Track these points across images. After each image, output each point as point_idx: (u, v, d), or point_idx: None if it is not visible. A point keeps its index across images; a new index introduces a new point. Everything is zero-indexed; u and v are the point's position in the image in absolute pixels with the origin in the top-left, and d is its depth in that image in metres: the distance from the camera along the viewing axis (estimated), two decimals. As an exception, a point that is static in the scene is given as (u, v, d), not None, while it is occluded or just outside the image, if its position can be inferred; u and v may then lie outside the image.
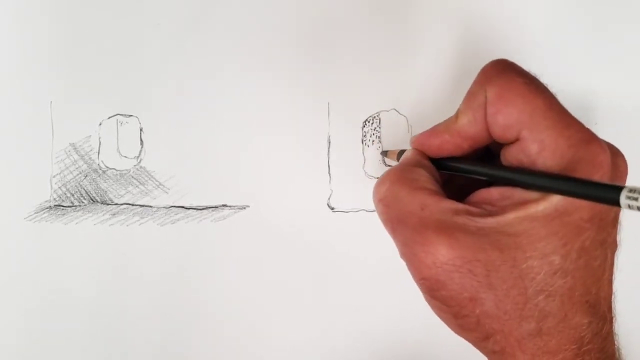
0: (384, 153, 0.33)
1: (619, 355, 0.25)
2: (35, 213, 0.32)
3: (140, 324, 0.32)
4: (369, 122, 0.33)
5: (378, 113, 0.33)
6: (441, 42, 0.33)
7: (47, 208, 0.32)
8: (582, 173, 0.22)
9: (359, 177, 0.33)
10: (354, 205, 0.33)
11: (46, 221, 0.32)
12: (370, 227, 0.33)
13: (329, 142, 0.33)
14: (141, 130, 0.32)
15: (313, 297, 0.33)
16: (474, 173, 0.25)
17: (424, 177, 0.25)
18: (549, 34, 0.34)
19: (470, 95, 0.24)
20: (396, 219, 0.24)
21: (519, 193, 0.23)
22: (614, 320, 0.24)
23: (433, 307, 0.24)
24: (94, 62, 0.32)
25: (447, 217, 0.23)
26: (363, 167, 0.33)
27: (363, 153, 0.33)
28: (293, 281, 0.33)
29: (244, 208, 0.33)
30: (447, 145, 0.25)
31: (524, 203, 0.22)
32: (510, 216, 0.22)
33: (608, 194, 0.20)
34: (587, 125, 0.23)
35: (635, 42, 0.34)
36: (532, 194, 0.22)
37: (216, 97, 0.33)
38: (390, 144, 0.33)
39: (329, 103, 0.33)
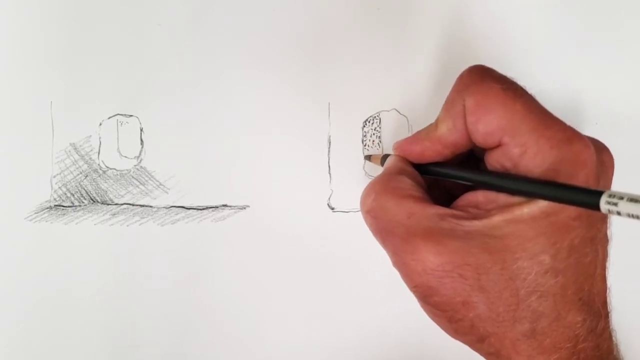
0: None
1: (617, 351, 0.25)
2: (36, 213, 0.32)
3: (140, 324, 0.32)
4: (369, 122, 0.33)
5: (378, 113, 0.33)
6: (442, 42, 0.33)
7: (47, 208, 0.32)
8: (566, 173, 0.22)
9: (359, 177, 0.33)
10: (354, 205, 0.33)
11: (46, 221, 0.32)
12: (370, 227, 0.33)
13: (329, 142, 0.33)
14: (141, 130, 0.32)
15: (313, 296, 0.33)
16: (457, 178, 0.25)
17: (408, 184, 0.25)
18: (550, 33, 0.34)
19: (449, 103, 0.24)
20: (385, 230, 0.24)
21: (503, 196, 0.23)
22: (609, 316, 0.24)
23: (428, 312, 0.25)
24: (94, 62, 0.32)
25: (434, 223, 0.23)
26: (363, 167, 0.33)
27: (363, 153, 0.33)
28: (293, 281, 0.33)
29: (244, 208, 0.33)
30: (429, 152, 0.26)
31: (508, 206, 0.22)
32: (497, 219, 0.22)
33: (588, 199, 0.20)
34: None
35: (629, 41, 0.34)
36: (516, 197, 0.22)
37: (216, 97, 0.33)
38: (390, 144, 0.33)
39: (329, 103, 0.33)
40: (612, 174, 0.24)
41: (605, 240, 0.24)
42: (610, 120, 0.34)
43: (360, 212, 0.25)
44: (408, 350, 0.33)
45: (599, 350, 0.23)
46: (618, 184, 0.32)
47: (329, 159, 0.33)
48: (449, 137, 0.25)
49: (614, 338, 0.25)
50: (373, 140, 0.33)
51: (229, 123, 0.33)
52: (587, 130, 0.32)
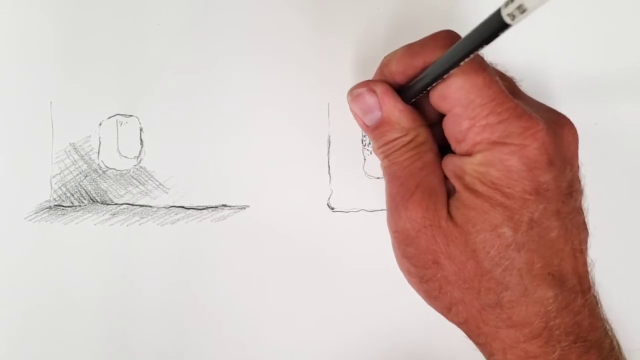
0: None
1: (610, 329, 0.25)
2: (35, 213, 0.32)
3: (140, 324, 0.32)
4: (369, 122, 0.33)
5: (378, 113, 0.33)
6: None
7: (47, 208, 0.32)
8: (515, 144, 0.22)
9: (359, 177, 0.33)
10: (354, 205, 0.33)
11: (46, 221, 0.32)
12: (370, 227, 0.33)
13: (329, 142, 0.33)
14: (141, 130, 0.32)
15: (313, 297, 0.33)
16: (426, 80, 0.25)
17: (432, 153, 0.26)
18: (550, 31, 0.34)
19: (417, 47, 0.25)
20: (393, 174, 0.26)
21: (451, 166, 0.25)
22: (590, 293, 0.24)
23: (402, 267, 0.26)
24: (94, 62, 0.32)
25: (437, 185, 0.25)
26: (363, 167, 0.33)
27: (363, 153, 0.33)
28: (293, 281, 0.33)
29: (244, 208, 0.33)
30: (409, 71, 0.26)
31: (460, 174, 0.24)
32: (464, 194, 0.24)
33: (495, 23, 0.19)
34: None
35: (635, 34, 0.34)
36: (463, 165, 0.24)
37: (216, 97, 0.33)
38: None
39: (329, 103, 0.33)
40: (576, 148, 0.25)
41: (575, 215, 0.24)
42: (610, 119, 0.34)
43: (359, 212, 0.26)
44: (409, 349, 0.33)
45: (578, 327, 0.23)
46: (619, 183, 0.32)
47: (329, 159, 0.33)
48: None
49: (601, 315, 0.24)
50: (373, 140, 0.33)
51: (229, 123, 0.33)
52: (588, 130, 0.32)
